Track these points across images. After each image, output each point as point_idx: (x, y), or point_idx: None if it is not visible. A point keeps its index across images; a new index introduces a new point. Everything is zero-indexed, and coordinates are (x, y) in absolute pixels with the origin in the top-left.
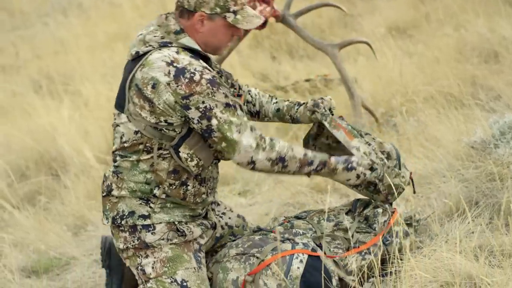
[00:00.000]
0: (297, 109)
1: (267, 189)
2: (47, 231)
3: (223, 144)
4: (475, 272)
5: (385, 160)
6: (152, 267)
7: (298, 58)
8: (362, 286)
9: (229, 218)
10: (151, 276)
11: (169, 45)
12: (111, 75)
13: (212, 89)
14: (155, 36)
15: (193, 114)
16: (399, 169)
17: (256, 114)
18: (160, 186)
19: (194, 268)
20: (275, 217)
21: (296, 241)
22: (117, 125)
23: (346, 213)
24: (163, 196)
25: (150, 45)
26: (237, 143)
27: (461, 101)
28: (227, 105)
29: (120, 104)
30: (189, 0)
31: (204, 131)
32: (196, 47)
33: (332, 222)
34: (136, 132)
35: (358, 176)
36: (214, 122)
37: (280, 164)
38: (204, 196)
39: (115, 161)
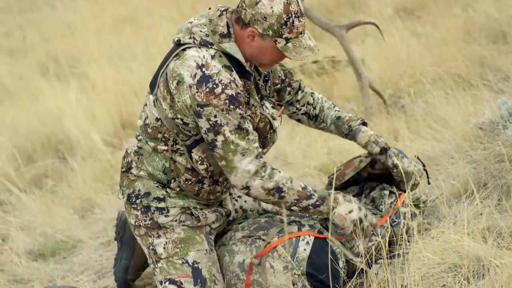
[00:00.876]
0: (359, 123)
1: None
2: (54, 214)
3: (222, 163)
4: (484, 254)
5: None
6: (164, 248)
7: None
8: (369, 268)
9: (245, 201)
10: (162, 257)
11: (210, 46)
12: (118, 57)
13: (229, 106)
14: (201, 31)
15: (203, 124)
16: (407, 157)
17: (314, 118)
18: (176, 179)
19: (206, 250)
20: None
21: (303, 223)
22: (145, 104)
23: (353, 196)
24: (177, 189)
25: (194, 38)
26: (235, 166)
27: (469, 82)
28: (239, 127)
29: (151, 84)
30: (246, 12)
31: (209, 144)
32: (237, 55)
33: None
34: (157, 119)
35: (351, 211)
36: (220, 138)
37: (276, 195)
38: (218, 194)
39: (139, 141)
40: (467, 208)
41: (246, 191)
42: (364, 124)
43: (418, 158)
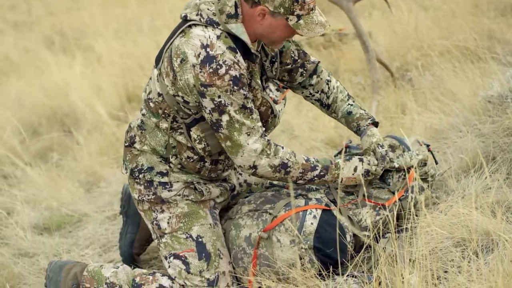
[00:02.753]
0: (368, 123)
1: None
2: (59, 188)
3: (228, 143)
4: (492, 228)
5: (392, 155)
6: (168, 222)
7: None
8: (377, 242)
9: (249, 175)
10: (166, 231)
11: (215, 26)
12: (124, 31)
13: (233, 87)
14: (208, 9)
15: (207, 103)
16: (409, 150)
17: (326, 106)
18: (178, 156)
19: (210, 224)
20: None
21: (309, 197)
22: (150, 78)
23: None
24: (178, 166)
25: (200, 15)
26: (241, 145)
27: (478, 55)
28: (243, 106)
29: (157, 58)
30: None
31: (213, 124)
32: (243, 37)
33: None
34: (159, 94)
35: (356, 169)
36: (225, 118)
37: (282, 171)
38: (219, 172)
39: (143, 116)
40: (476, 182)
41: (253, 170)
42: (375, 124)
43: (422, 142)
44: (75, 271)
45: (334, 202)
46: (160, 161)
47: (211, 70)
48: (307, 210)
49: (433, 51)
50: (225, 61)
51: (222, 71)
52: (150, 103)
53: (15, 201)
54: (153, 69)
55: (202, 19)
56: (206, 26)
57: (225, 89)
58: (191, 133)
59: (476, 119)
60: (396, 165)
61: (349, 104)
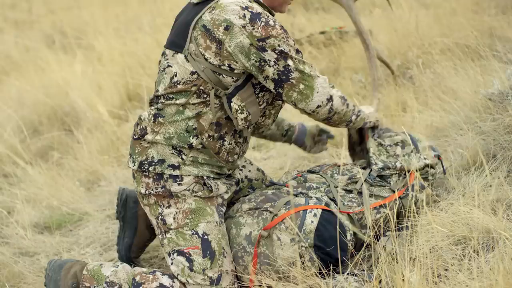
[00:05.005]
0: (300, 123)
1: (281, 143)
2: (60, 187)
3: (301, 86)
4: (493, 226)
5: (399, 151)
6: (174, 218)
7: (313, 11)
8: (377, 240)
9: (249, 171)
10: (171, 227)
11: None
12: (125, 29)
13: (286, 34)
14: None
15: (270, 56)
16: (417, 152)
17: (273, 122)
18: (199, 136)
19: (216, 222)
20: (288, 171)
21: (310, 195)
22: (169, 66)
23: (362, 168)
24: (199, 146)
25: None
26: (314, 80)
27: (478, 53)
28: (297, 51)
29: (177, 44)
30: None
31: (281, 73)
32: (265, 3)
33: (346, 176)
34: (192, 73)
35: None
36: (290, 62)
37: (345, 103)
38: (235, 156)
39: (156, 104)
40: (476, 179)
41: (331, 103)
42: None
43: (432, 148)
44: (74, 270)
45: (334, 200)
46: (172, 153)
47: (263, 23)
48: (307, 209)
49: (434, 49)
50: (268, 16)
51: (271, 22)
52: (178, 85)
53: (15, 200)
54: (169, 58)
55: None
56: None
57: (282, 36)
58: (232, 104)
59: (477, 117)
60: (398, 165)
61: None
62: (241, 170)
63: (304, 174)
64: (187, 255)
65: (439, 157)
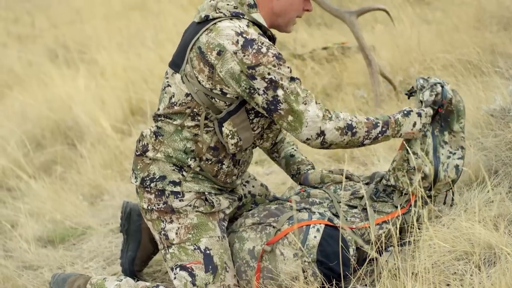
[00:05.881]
0: (309, 168)
1: None
2: (63, 201)
3: (290, 118)
4: (495, 242)
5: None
6: (176, 233)
7: (315, 26)
8: (380, 255)
9: (253, 186)
10: (174, 242)
11: (241, 16)
12: (127, 44)
13: (278, 62)
14: (228, 5)
15: (259, 84)
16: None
17: (272, 144)
18: (197, 158)
19: (218, 237)
20: (291, 186)
21: (313, 210)
22: (169, 85)
23: (365, 184)
24: (197, 169)
25: (221, 12)
26: (303, 113)
27: (480, 69)
28: (292, 78)
29: (176, 64)
30: None
31: (270, 103)
32: (265, 24)
33: (348, 191)
34: (187, 95)
35: (415, 124)
36: (280, 92)
37: (349, 132)
38: (234, 177)
39: (157, 122)
40: (478, 195)
41: (322, 137)
42: (314, 167)
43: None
44: (78, 283)
45: (337, 216)
46: (173, 170)
47: (254, 51)
48: (310, 224)
49: (436, 64)
50: (263, 42)
51: (264, 50)
52: (175, 106)
53: (19, 213)
54: (169, 78)
55: (225, 14)
56: (231, 19)
57: (272, 64)
58: (223, 128)
59: (479, 133)
60: (411, 165)
61: (293, 148)
62: (244, 185)
63: (307, 189)
64: (189, 270)
65: (451, 187)
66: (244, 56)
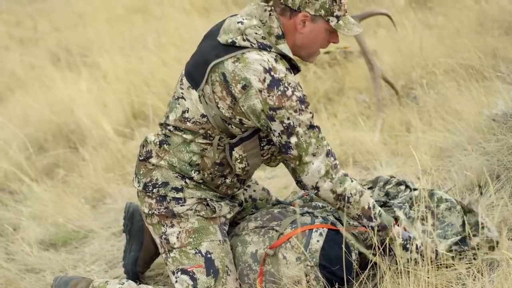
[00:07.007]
0: None
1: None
2: (65, 204)
3: (296, 163)
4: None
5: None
6: (177, 237)
7: None
8: (382, 260)
9: (254, 191)
10: (175, 246)
11: (269, 49)
12: (130, 47)
13: (301, 107)
14: (256, 34)
15: (276, 127)
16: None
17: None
18: (201, 171)
19: (219, 241)
20: (294, 190)
21: (316, 215)
22: (183, 98)
23: (368, 189)
24: (200, 181)
25: (248, 40)
26: (307, 164)
27: (482, 74)
28: (311, 126)
29: (194, 79)
30: None
31: (282, 146)
32: (291, 55)
33: None
34: (203, 116)
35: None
36: (293, 140)
37: (343, 202)
38: (235, 189)
39: (165, 129)
40: (480, 200)
41: (316, 191)
42: None
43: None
44: (80, 286)
45: (339, 220)
46: (176, 177)
47: (279, 93)
48: (313, 228)
49: (438, 69)
50: (290, 83)
51: (289, 92)
52: (188, 122)
53: (21, 216)
54: (184, 91)
55: (253, 45)
56: (260, 50)
57: (294, 110)
58: (234, 152)
59: (481, 138)
60: (412, 235)
61: None
62: (245, 190)
63: (311, 193)
64: (191, 273)
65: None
66: (268, 96)
